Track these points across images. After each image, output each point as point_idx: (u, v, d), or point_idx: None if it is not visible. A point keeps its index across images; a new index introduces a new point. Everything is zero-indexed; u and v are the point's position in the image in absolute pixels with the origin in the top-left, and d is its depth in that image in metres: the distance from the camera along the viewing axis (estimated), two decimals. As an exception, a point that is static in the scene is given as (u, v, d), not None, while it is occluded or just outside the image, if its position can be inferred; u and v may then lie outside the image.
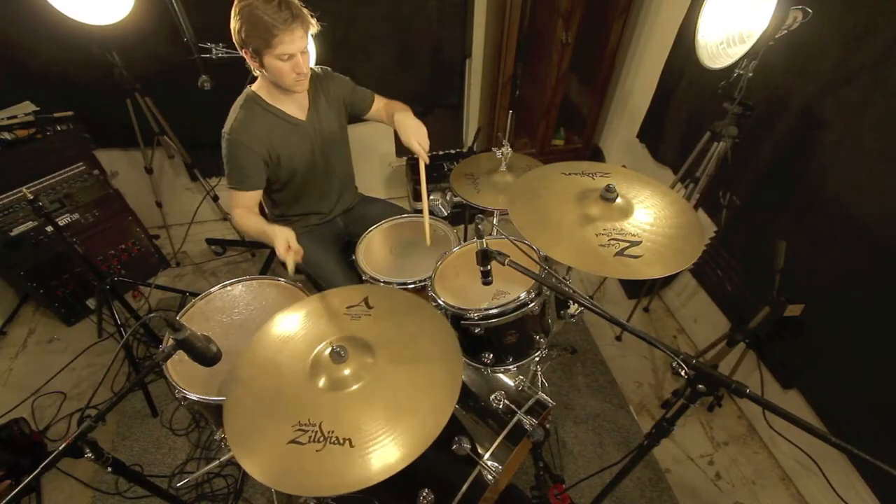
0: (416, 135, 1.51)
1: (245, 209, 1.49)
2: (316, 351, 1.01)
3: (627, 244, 1.08)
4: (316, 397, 0.94)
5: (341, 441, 0.85)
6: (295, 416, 0.91)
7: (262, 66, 1.34)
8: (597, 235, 1.10)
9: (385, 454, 0.83)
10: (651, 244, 1.08)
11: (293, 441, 0.87)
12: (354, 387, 0.93)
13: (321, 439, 0.87)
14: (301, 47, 1.31)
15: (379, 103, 1.71)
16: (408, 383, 0.95)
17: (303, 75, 1.37)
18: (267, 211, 1.77)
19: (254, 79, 1.48)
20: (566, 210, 1.19)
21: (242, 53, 1.34)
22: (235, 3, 1.27)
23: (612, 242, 1.08)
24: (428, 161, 1.54)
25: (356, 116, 1.71)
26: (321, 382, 0.95)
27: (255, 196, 1.50)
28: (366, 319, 1.09)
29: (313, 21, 1.32)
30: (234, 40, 1.32)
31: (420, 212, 1.64)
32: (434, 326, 1.07)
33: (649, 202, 1.20)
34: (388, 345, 1.02)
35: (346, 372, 0.95)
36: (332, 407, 0.91)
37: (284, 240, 1.32)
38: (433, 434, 0.85)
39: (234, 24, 1.28)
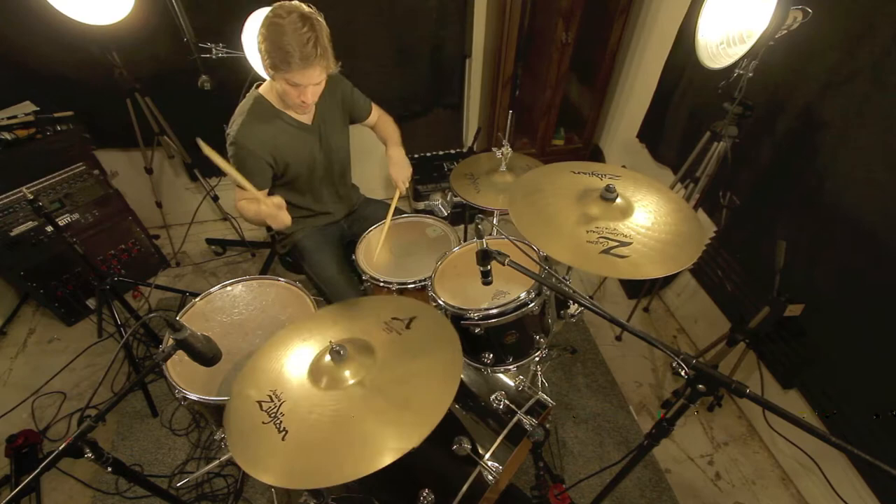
0: (403, 173, 1.68)
1: (250, 202, 1.47)
2: (329, 343, 1.01)
3: (616, 244, 1.08)
4: (301, 382, 0.97)
5: (280, 429, 0.88)
6: (276, 385, 0.96)
7: (272, 78, 1.35)
8: (587, 232, 1.11)
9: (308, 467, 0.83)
10: (641, 247, 1.08)
11: (259, 401, 0.94)
12: (333, 391, 0.94)
13: (273, 414, 0.91)
14: (313, 82, 1.32)
15: (376, 113, 1.76)
16: (372, 416, 0.89)
17: (306, 105, 1.39)
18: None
19: (256, 78, 1.47)
20: (564, 205, 1.19)
21: (261, 59, 1.34)
22: (269, 13, 1.25)
23: (601, 240, 1.09)
24: (404, 192, 1.70)
25: (354, 121, 1.72)
26: (315, 376, 0.98)
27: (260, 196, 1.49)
28: (394, 337, 1.05)
29: (334, 65, 1.33)
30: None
31: (420, 212, 1.65)
32: (436, 385, 0.93)
33: (652, 207, 1.20)
34: (387, 371, 0.97)
35: (346, 374, 0.95)
36: (304, 396, 0.94)
37: (273, 205, 1.31)
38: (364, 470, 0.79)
39: (259, 34, 1.27)
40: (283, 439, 0.86)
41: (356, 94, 1.68)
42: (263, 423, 0.89)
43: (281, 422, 0.89)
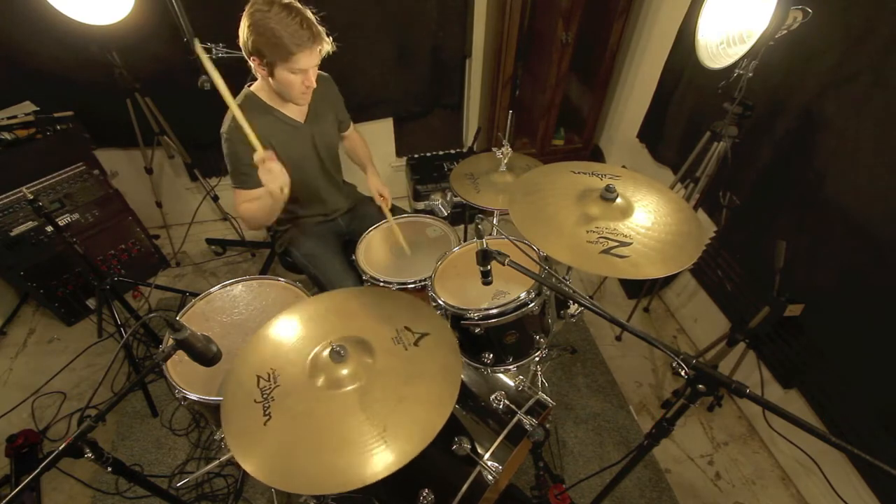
0: (382, 190, 1.73)
1: (249, 203, 1.49)
2: (330, 340, 1.01)
3: (616, 244, 1.08)
4: (301, 371, 0.97)
5: (266, 413, 0.89)
6: (277, 365, 0.97)
7: (270, 75, 1.34)
8: (587, 232, 1.11)
9: (281, 466, 0.83)
10: (641, 247, 1.08)
11: (259, 375, 0.95)
12: (324, 390, 0.93)
13: (266, 393, 0.92)
14: (315, 63, 1.33)
15: (353, 132, 1.80)
16: (348, 432, 0.87)
17: (310, 88, 1.40)
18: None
19: (253, 78, 1.47)
20: (564, 205, 1.20)
21: (249, 59, 1.33)
22: (248, 10, 1.24)
23: (601, 240, 1.09)
24: (388, 206, 1.74)
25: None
26: (313, 368, 0.99)
27: (258, 192, 1.49)
28: (398, 350, 1.02)
29: (328, 40, 1.33)
30: (240, 45, 1.31)
31: (420, 212, 1.65)
32: (417, 421, 0.88)
33: (652, 207, 1.20)
34: (377, 387, 0.94)
35: (341, 374, 0.96)
36: (297, 387, 0.94)
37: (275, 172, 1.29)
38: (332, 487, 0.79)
39: (244, 33, 1.26)
40: (264, 424, 0.87)
41: (343, 106, 1.71)
42: (255, 401, 0.91)
43: (268, 406, 0.90)
